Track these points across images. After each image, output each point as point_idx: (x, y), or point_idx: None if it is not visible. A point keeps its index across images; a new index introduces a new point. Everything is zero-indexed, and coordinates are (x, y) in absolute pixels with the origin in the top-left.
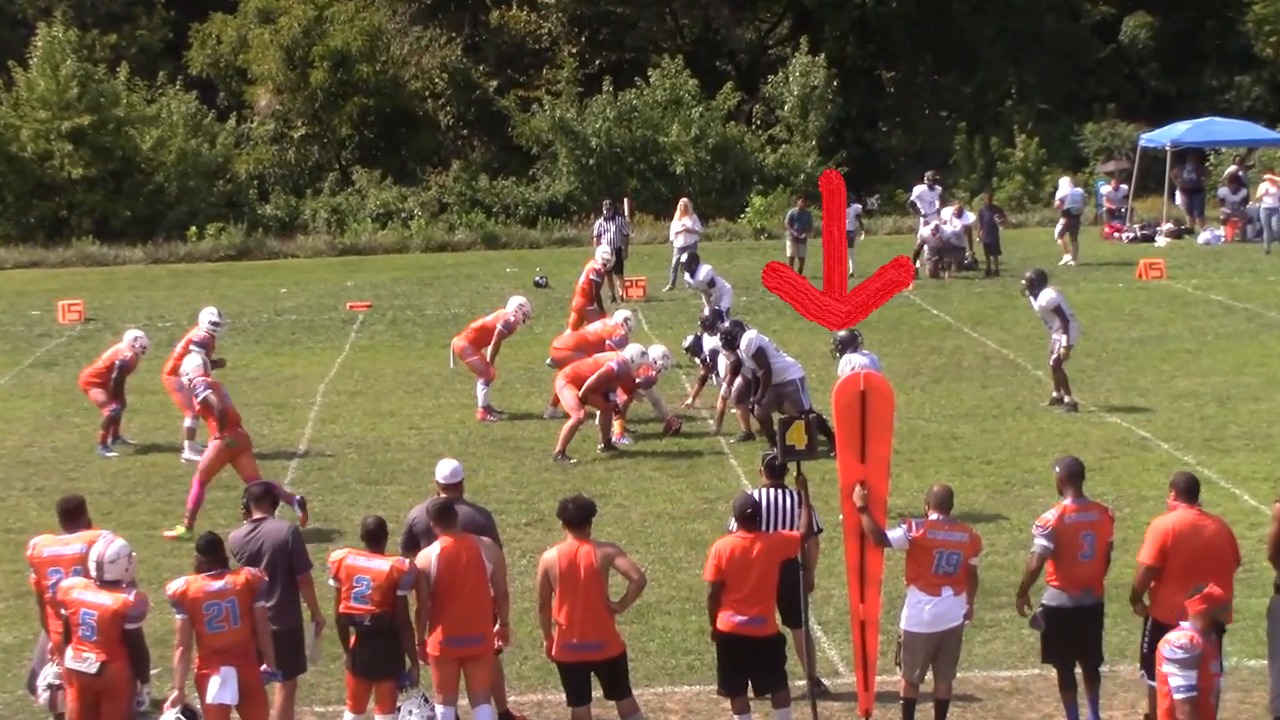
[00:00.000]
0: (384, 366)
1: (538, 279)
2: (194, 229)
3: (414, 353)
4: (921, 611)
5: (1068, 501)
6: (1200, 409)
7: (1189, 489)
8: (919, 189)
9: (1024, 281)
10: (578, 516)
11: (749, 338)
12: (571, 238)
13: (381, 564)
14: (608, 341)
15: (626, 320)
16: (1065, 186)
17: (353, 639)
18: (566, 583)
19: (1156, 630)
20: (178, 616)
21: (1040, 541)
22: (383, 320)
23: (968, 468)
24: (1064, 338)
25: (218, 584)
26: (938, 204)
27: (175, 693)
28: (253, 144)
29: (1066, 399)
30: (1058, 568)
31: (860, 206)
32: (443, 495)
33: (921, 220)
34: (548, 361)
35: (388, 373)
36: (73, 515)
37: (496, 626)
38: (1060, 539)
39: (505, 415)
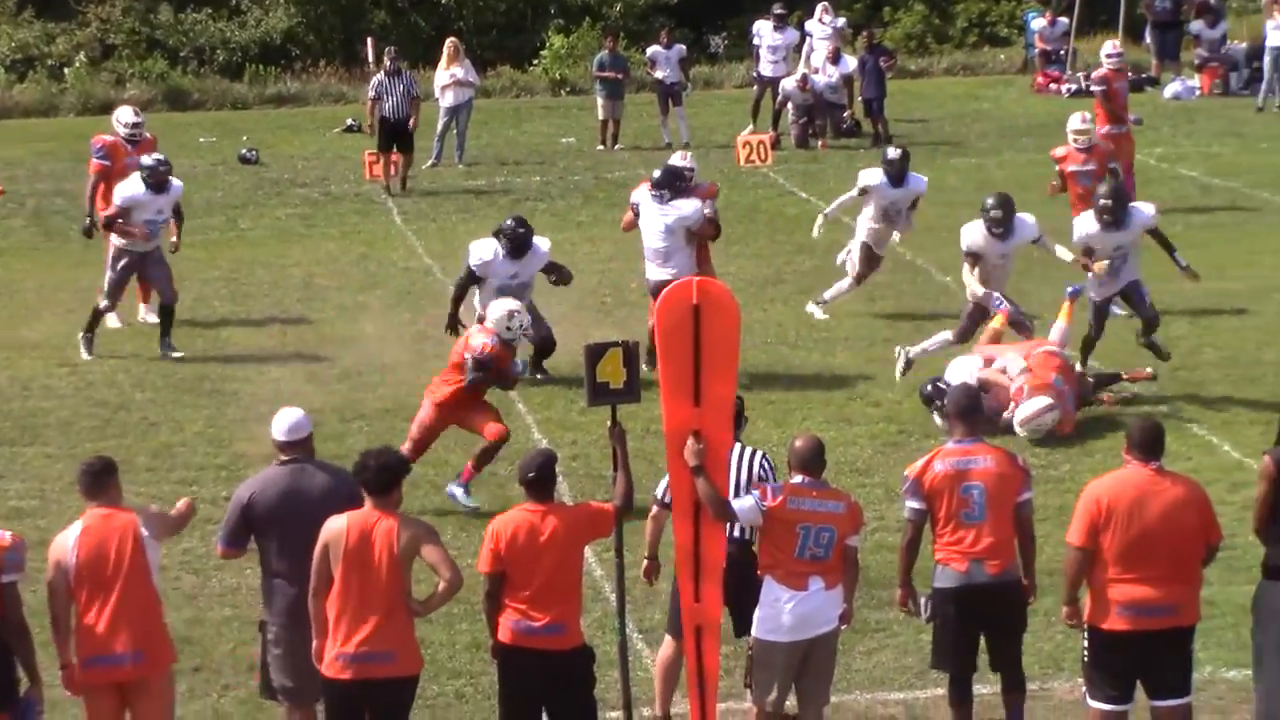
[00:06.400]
0: (23, 278)
1: (244, 152)
2: None
3: (67, 257)
4: (780, 612)
5: (949, 443)
6: (1168, 325)
7: (1147, 441)
8: (762, 25)
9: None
10: (379, 479)
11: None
12: (293, 94)
13: None
14: None
15: None
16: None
17: None
18: (354, 565)
19: (1099, 640)
20: None
21: (907, 503)
22: (21, 212)
23: (847, 412)
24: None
25: None
26: (791, 48)
27: None
28: None
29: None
30: (938, 535)
31: (683, 48)
32: (282, 458)
33: (769, 67)
34: None
35: (28, 286)
36: None
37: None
38: (933, 495)
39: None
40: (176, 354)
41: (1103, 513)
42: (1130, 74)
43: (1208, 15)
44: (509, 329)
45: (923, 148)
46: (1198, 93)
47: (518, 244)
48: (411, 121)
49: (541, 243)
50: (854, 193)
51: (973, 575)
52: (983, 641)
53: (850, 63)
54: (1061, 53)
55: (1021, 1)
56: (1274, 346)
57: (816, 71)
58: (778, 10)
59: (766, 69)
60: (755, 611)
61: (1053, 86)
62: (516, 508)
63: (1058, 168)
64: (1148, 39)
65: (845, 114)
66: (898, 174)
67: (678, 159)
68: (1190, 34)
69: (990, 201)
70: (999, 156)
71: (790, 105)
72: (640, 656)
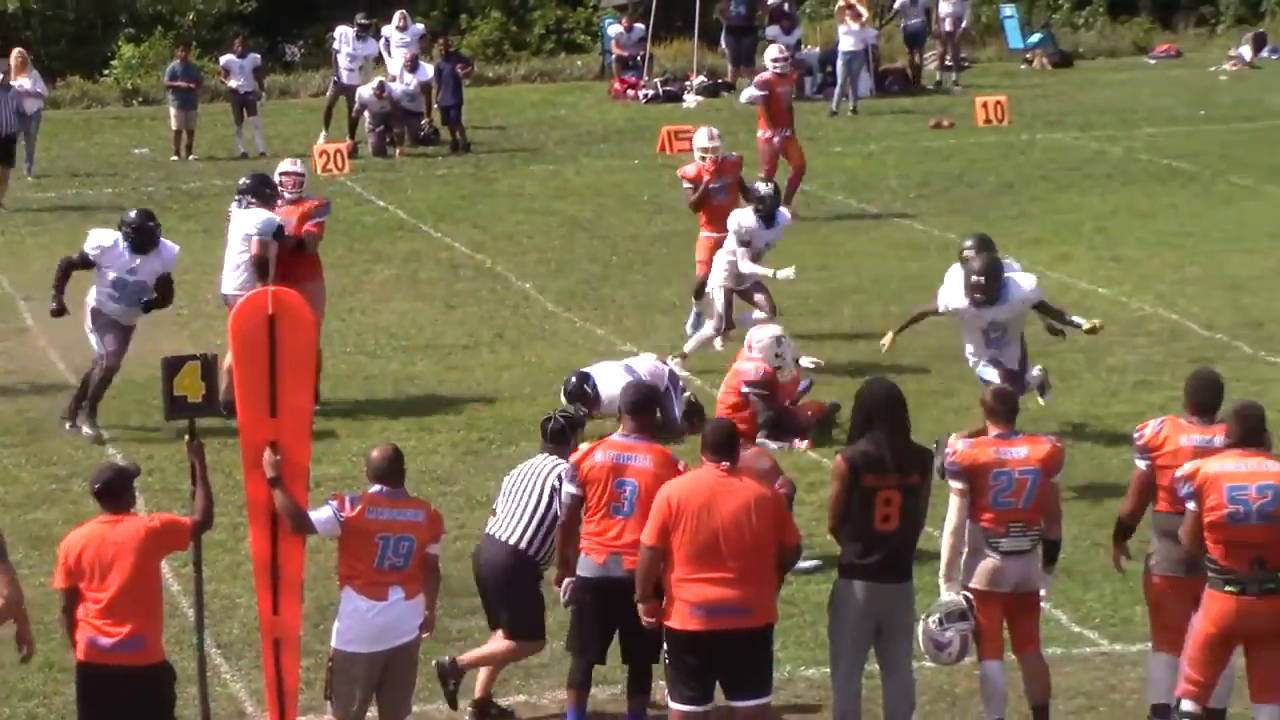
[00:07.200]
0: None
1: None
2: None
3: None
4: (361, 622)
5: (615, 435)
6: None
7: (718, 441)
8: (344, 31)
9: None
10: None
11: None
12: None
13: None
14: None
15: None
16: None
17: None
18: None
19: (675, 640)
20: None
21: (565, 487)
22: None
23: (428, 421)
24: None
25: None
26: (371, 59)
27: None
28: None
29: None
30: (585, 523)
31: (258, 57)
32: None
33: (346, 74)
34: None
35: None
36: None
37: None
38: (588, 483)
39: None
40: None
41: (673, 512)
42: (706, 78)
43: (783, 21)
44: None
45: (501, 155)
46: None
47: (143, 237)
48: (19, 139)
49: (170, 247)
50: (735, 245)
51: (609, 568)
52: None
53: (428, 70)
54: (638, 58)
55: (598, 8)
56: (849, 348)
57: (394, 79)
58: (361, 20)
59: (344, 76)
60: (335, 623)
61: (630, 92)
62: (90, 521)
63: (687, 184)
64: (723, 45)
65: (423, 122)
66: (770, 212)
67: (288, 164)
68: (765, 39)
69: (975, 265)
70: (577, 163)
71: (367, 113)
72: (219, 672)
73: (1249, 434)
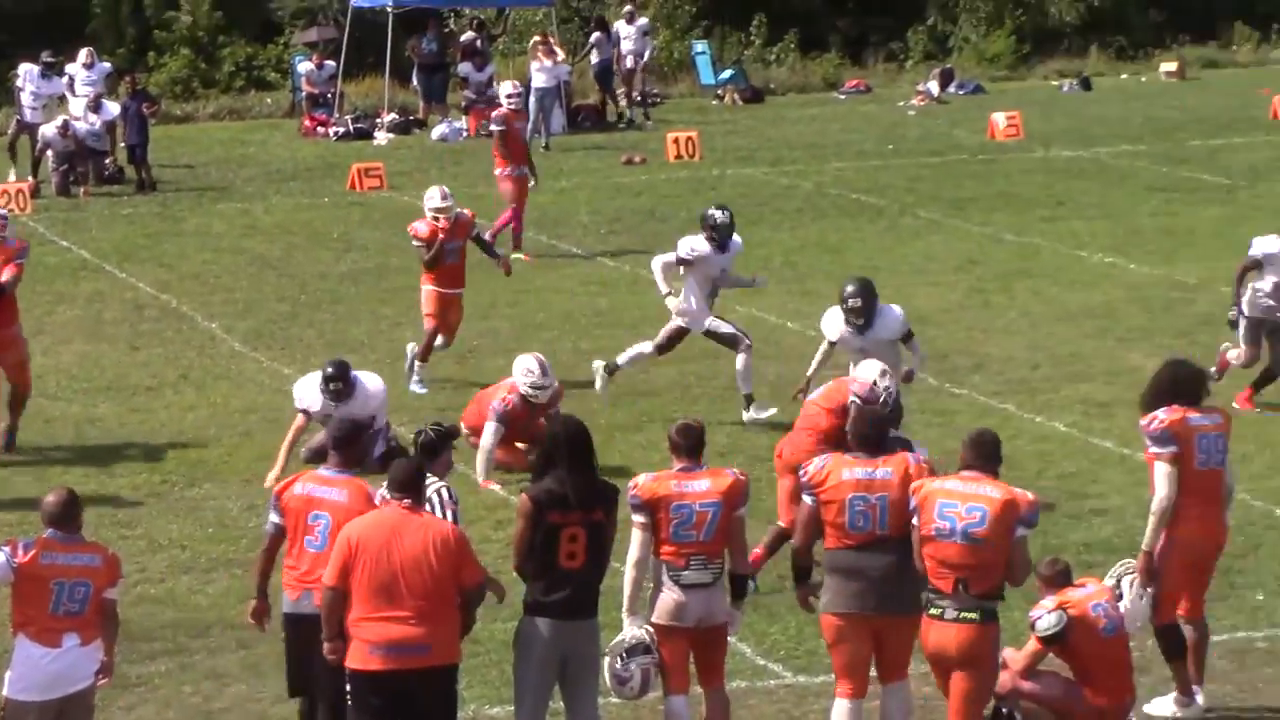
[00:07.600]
0: None
1: None
2: None
3: None
4: (34, 670)
5: (320, 469)
6: (435, 364)
7: (404, 479)
8: (28, 68)
9: None
10: None
11: None
12: None
13: None
14: None
15: None
16: None
17: None
18: None
19: (356, 681)
20: None
21: (270, 517)
22: None
23: (110, 464)
24: None
25: None
26: (55, 97)
27: None
28: None
29: None
30: (285, 557)
31: None
32: None
33: (29, 112)
34: None
35: None
36: None
37: None
38: (286, 513)
39: None
40: None
41: (353, 551)
42: (397, 115)
43: (475, 57)
44: (874, 385)
45: (189, 193)
46: (464, 134)
47: None
48: None
49: None
50: (671, 258)
51: (300, 605)
52: None
53: (112, 109)
54: (329, 96)
55: (289, 46)
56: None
57: (78, 118)
58: (47, 58)
59: (27, 114)
60: (8, 671)
61: (320, 130)
62: None
63: (418, 243)
64: (415, 82)
65: (108, 160)
66: (724, 239)
67: None
68: (458, 76)
69: (849, 289)
70: (266, 201)
71: (51, 152)
72: None
73: (978, 458)
